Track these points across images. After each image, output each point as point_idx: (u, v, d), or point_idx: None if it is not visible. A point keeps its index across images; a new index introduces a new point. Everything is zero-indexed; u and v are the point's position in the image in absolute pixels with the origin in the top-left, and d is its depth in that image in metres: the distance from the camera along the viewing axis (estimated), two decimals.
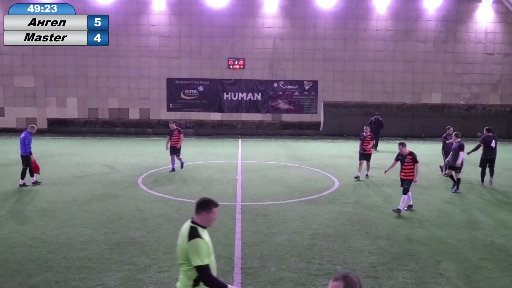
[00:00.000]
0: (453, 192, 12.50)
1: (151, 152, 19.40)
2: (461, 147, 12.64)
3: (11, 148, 19.76)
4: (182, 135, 15.28)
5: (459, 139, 12.91)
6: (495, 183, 14.00)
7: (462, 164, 12.68)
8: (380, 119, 21.71)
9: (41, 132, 25.79)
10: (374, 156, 18.46)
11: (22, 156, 12.71)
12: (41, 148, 20.04)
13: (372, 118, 21.91)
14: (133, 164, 16.35)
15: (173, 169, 15.05)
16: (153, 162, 16.83)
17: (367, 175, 14.43)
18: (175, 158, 15.15)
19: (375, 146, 20.09)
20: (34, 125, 13.41)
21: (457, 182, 12.68)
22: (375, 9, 26.53)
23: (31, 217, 9.59)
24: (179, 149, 15.26)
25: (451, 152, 13.09)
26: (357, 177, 14.15)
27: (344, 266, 7.16)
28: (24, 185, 12.53)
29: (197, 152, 19.85)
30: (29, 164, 12.63)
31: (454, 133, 13.40)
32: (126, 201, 11.03)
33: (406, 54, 27.09)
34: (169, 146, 15.10)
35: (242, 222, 9.44)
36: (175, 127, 15.26)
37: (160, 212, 10.12)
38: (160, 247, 7.88)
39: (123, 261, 7.20)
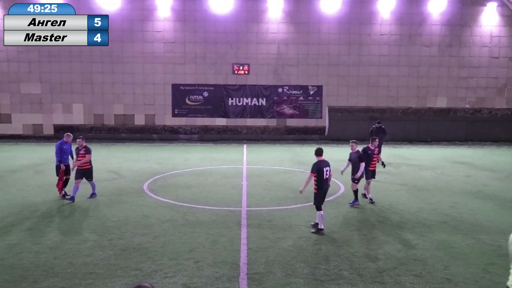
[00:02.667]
0: (350, 205, 11.29)
1: (156, 158, 19.44)
2: (361, 158, 11.13)
3: (17, 155, 19.91)
4: (89, 156, 11.78)
5: (358, 148, 11.37)
6: (502, 187, 13.89)
7: (362, 175, 11.29)
8: (383, 127, 19.02)
9: (47, 138, 26.00)
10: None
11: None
12: (47, 154, 20.16)
13: (374, 126, 19.24)
14: (139, 170, 16.39)
15: (71, 198, 11.50)
16: (159, 168, 16.86)
17: (369, 197, 11.97)
18: (87, 183, 12.11)
19: (378, 154, 19.27)
20: (69, 133, 12.58)
21: (355, 194, 11.37)
22: (379, 14, 26.55)
23: (37, 223, 9.63)
24: (89, 171, 11.95)
25: (349, 166, 11.58)
26: (371, 200, 11.81)
27: (350, 271, 7.11)
28: (65, 195, 12.03)
29: (202, 157, 19.88)
30: (63, 173, 11.98)
31: (351, 141, 11.61)
32: (132, 207, 11.05)
33: (410, 59, 27.06)
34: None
35: (248, 227, 9.42)
36: (84, 144, 11.80)
37: (166, 217, 10.12)
38: (165, 252, 7.87)
39: (129, 267, 7.20)
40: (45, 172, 15.85)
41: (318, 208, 9.18)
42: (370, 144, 12.15)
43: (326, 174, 9.23)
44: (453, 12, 26.65)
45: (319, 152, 9.42)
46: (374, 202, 11.71)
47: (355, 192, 11.41)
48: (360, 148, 11.63)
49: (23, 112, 26.42)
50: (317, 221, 9.22)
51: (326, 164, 9.33)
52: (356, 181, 11.28)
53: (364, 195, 12.13)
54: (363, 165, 11.12)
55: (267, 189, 13.29)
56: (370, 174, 11.98)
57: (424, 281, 6.78)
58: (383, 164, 13.29)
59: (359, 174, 11.13)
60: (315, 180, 9.19)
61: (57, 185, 12.08)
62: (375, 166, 12.18)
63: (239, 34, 26.51)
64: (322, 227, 9.14)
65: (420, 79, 27.25)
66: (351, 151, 11.43)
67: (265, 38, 26.62)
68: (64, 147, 12.21)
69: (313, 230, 9.15)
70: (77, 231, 9.07)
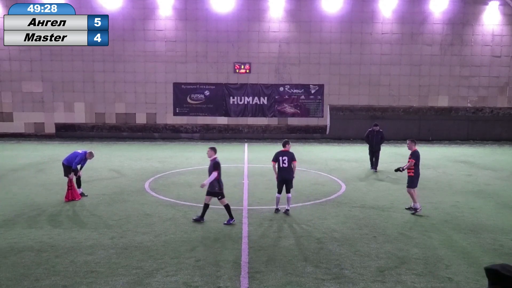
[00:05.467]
0: (224, 224, 9.50)
1: (158, 157, 19.45)
2: (215, 166, 9.52)
3: (19, 153, 19.94)
4: None
5: (216, 155, 9.80)
6: (503, 186, 13.87)
7: (220, 187, 9.58)
8: (380, 130, 16.65)
9: (49, 137, 26.04)
10: (381, 158, 18.36)
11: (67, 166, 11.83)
12: (49, 153, 20.20)
13: (370, 129, 16.81)
14: (140, 169, 16.40)
15: None
16: (160, 167, 16.88)
17: (414, 206, 10.74)
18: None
19: (375, 165, 16.41)
20: (93, 152, 12.20)
21: (227, 209, 9.63)
22: (381, 13, 26.51)
23: (39, 221, 9.64)
24: None
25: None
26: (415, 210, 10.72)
27: (351, 270, 7.11)
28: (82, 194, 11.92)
29: (204, 156, 19.78)
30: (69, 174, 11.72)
31: (210, 147, 10.04)
32: (133, 206, 11.05)
33: (412, 57, 27.02)
34: None
35: (249, 226, 9.42)
36: None
37: (167, 216, 10.13)
38: (167, 251, 7.88)
39: (130, 265, 7.21)
40: (47, 170, 15.89)
41: (278, 191, 10.63)
42: (414, 146, 10.84)
43: (283, 163, 10.48)
44: (455, 11, 26.59)
45: (284, 144, 10.89)
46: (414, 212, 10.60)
47: (227, 207, 9.64)
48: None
49: (24, 110, 26.46)
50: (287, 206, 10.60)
51: (284, 154, 10.58)
52: (219, 197, 9.64)
53: (411, 208, 10.75)
54: (214, 174, 9.43)
55: (268, 188, 13.28)
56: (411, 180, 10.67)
57: (425, 280, 6.77)
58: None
59: (206, 183, 9.48)
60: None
61: (67, 196, 11.58)
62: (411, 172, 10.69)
63: (240, 33, 26.49)
64: (277, 207, 10.69)
65: (421, 78, 27.22)
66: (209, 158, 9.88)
67: (267, 37, 26.60)
68: (83, 162, 12.04)
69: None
70: (79, 230, 9.08)
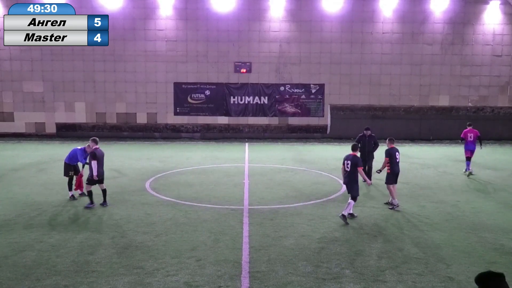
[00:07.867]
0: (85, 207, 10.85)
1: (158, 156, 19.46)
2: (93, 156, 10.61)
3: (20, 153, 19.96)
4: None
5: (97, 146, 10.93)
6: (504, 186, 13.85)
7: (100, 174, 10.79)
8: (373, 135, 14.46)
9: (49, 137, 26.05)
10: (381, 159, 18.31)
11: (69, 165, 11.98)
12: (49, 152, 20.21)
13: (361, 134, 14.52)
14: (141, 168, 16.41)
15: None
16: (161, 166, 16.88)
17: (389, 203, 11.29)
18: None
19: (369, 177, 13.27)
20: (90, 145, 11.76)
21: (88, 195, 10.91)
22: (381, 12, 26.47)
23: (40, 221, 9.65)
24: None
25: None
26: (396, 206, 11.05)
27: (352, 270, 7.11)
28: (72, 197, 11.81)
29: (204, 156, 19.89)
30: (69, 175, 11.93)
31: (91, 138, 11.12)
32: (134, 205, 11.06)
33: (413, 57, 26.98)
34: None
35: (250, 225, 9.42)
36: None
37: (168, 216, 10.14)
38: (167, 251, 7.89)
39: (131, 265, 7.21)
40: (48, 170, 15.89)
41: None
42: (391, 144, 11.34)
43: (346, 167, 10.11)
44: (456, 10, 26.55)
45: (351, 148, 10.42)
46: (392, 207, 10.96)
47: (89, 192, 10.87)
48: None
49: (25, 110, 26.46)
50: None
51: (348, 158, 10.14)
52: (91, 182, 10.77)
53: (389, 203, 11.20)
54: (94, 163, 10.62)
55: (269, 187, 13.29)
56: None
57: (426, 280, 6.77)
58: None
59: (94, 174, 10.64)
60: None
61: (77, 186, 11.90)
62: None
63: (241, 33, 26.48)
64: (344, 212, 9.93)
65: (422, 77, 27.18)
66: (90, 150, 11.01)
67: (267, 37, 26.58)
68: (86, 154, 11.99)
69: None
70: (79, 230, 9.09)
